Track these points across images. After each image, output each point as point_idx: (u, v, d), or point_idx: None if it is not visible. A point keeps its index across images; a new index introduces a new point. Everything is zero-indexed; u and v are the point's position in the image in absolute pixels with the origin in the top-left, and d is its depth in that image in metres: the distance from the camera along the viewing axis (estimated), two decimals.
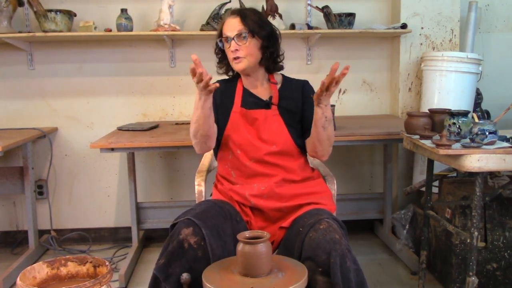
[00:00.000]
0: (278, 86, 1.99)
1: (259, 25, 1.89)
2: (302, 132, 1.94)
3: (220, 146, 1.95)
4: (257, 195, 1.84)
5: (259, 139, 1.88)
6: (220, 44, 1.95)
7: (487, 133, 1.88)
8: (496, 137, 1.91)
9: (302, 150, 1.94)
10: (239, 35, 1.86)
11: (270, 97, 1.95)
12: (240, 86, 1.99)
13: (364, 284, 1.58)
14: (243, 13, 1.90)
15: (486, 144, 1.88)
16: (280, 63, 2.00)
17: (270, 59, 1.94)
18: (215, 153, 2.01)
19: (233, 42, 1.86)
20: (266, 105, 1.93)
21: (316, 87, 1.99)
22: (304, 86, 2.00)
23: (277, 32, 1.98)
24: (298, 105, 1.95)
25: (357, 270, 1.56)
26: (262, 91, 1.98)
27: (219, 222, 1.70)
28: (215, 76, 2.06)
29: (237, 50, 1.86)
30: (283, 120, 1.91)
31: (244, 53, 1.87)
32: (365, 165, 3.44)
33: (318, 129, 1.78)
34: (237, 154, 1.89)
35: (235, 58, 1.88)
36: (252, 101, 1.94)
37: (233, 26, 1.87)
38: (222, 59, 2.00)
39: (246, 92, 1.97)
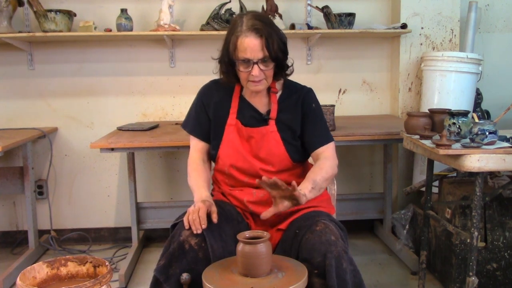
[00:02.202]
0: (278, 94, 1.87)
1: (282, 51, 1.74)
2: (301, 147, 1.86)
3: (216, 160, 1.87)
4: (256, 201, 1.81)
5: (254, 157, 1.81)
6: (226, 60, 1.74)
7: (487, 133, 1.88)
8: (496, 137, 1.91)
9: (299, 162, 1.88)
10: (263, 60, 1.69)
11: (268, 111, 1.84)
12: (237, 94, 1.87)
13: (362, 285, 1.57)
14: (267, 35, 1.68)
15: (486, 144, 1.88)
16: (287, 71, 1.86)
17: (281, 71, 1.82)
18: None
19: (255, 67, 1.69)
20: (264, 120, 1.83)
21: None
22: (305, 98, 1.86)
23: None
24: (297, 120, 1.84)
25: (354, 271, 1.55)
26: (261, 101, 1.86)
27: (220, 222, 1.68)
28: (210, 76, 1.99)
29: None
30: (280, 137, 1.81)
31: (264, 76, 1.73)
32: (365, 165, 3.44)
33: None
34: (233, 172, 1.82)
35: (253, 81, 1.73)
36: (249, 115, 1.84)
37: (256, 48, 1.67)
38: (229, 70, 1.79)
39: (243, 102, 1.86)
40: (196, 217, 1.61)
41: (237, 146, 1.81)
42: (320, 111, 1.89)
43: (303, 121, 1.85)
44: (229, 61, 1.75)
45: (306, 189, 1.65)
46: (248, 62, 1.70)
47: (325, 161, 1.79)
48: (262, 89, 1.78)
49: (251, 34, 1.67)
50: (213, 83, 1.93)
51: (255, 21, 1.69)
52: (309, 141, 1.84)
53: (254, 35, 1.67)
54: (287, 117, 1.83)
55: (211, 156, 1.90)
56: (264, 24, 1.70)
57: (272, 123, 1.82)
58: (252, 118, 1.84)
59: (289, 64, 1.85)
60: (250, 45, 1.67)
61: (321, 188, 1.74)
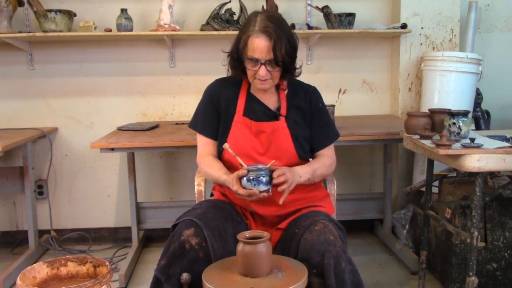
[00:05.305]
0: (285, 92, 1.89)
1: (290, 56, 1.74)
2: (308, 146, 1.89)
3: (221, 156, 1.87)
4: (258, 200, 1.78)
5: (262, 153, 1.81)
6: (236, 56, 1.78)
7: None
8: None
9: (304, 160, 1.89)
10: (270, 62, 1.72)
11: (278, 107, 1.86)
12: (244, 91, 1.88)
13: (361, 284, 1.57)
14: (276, 38, 1.68)
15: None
16: (295, 73, 1.88)
17: (288, 72, 1.83)
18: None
19: (263, 67, 1.71)
20: (274, 116, 1.84)
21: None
22: (312, 98, 1.90)
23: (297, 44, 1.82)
24: (305, 117, 1.88)
25: (353, 271, 1.55)
26: (270, 98, 1.88)
27: (220, 222, 1.69)
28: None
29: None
30: (290, 133, 1.83)
31: (270, 76, 1.75)
32: (365, 165, 3.44)
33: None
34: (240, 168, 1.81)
35: (259, 79, 1.75)
36: (259, 110, 1.85)
37: (264, 50, 1.69)
38: (237, 66, 1.82)
39: (252, 99, 1.87)
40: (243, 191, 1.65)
41: (245, 141, 1.82)
42: (325, 110, 1.95)
43: (310, 120, 1.89)
44: (238, 57, 1.79)
45: (304, 174, 1.77)
46: (256, 61, 1.72)
47: (328, 159, 1.89)
48: (268, 88, 1.81)
49: (262, 36, 1.69)
50: (219, 81, 1.94)
51: (268, 23, 1.71)
52: (314, 141, 1.89)
53: (265, 37, 1.69)
54: (296, 114, 1.87)
55: (218, 153, 1.90)
56: (276, 27, 1.71)
57: (282, 119, 1.84)
58: (262, 113, 1.86)
59: (297, 66, 1.86)
60: (260, 46, 1.69)
61: (313, 181, 1.84)
